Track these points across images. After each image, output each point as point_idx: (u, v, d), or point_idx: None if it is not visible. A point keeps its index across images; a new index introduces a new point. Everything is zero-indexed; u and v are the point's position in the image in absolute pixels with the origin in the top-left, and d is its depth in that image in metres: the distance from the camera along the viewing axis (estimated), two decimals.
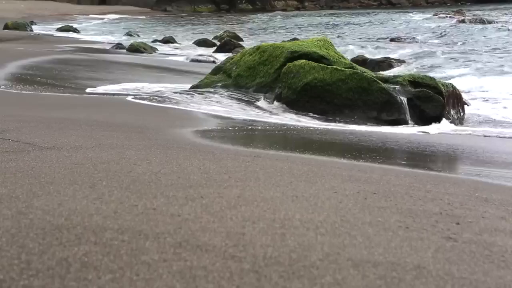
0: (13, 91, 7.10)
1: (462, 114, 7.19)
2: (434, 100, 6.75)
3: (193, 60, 14.86)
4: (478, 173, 4.07)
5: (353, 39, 23.47)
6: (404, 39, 22.19)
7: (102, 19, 44.88)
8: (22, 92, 7.09)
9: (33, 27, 27.05)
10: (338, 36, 24.54)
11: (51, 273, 1.64)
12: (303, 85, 6.92)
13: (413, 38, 22.34)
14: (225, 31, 23.97)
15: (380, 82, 6.75)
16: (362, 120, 6.59)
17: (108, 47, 17.83)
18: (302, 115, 6.81)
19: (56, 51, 14.03)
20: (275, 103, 7.21)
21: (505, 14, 35.84)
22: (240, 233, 2.05)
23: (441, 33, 23.41)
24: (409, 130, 6.31)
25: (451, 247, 2.07)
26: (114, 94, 7.41)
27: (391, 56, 15.85)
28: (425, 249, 2.02)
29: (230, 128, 5.50)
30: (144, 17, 50.46)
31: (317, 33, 28.21)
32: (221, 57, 14.39)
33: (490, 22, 27.20)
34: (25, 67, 9.74)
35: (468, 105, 7.78)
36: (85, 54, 13.74)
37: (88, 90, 7.93)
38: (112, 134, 4.15)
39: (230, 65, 8.30)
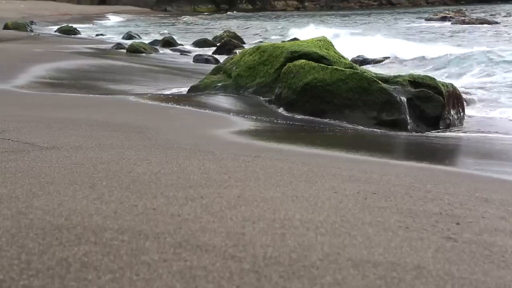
0: (15, 90, 7.10)
1: (462, 114, 7.18)
2: (434, 100, 6.74)
3: (194, 60, 14.87)
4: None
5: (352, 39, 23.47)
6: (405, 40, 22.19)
7: (102, 19, 44.91)
8: (23, 91, 7.09)
9: (33, 27, 27.04)
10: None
11: (51, 273, 1.64)
12: (303, 85, 6.91)
13: (414, 39, 22.34)
14: (225, 31, 23.92)
15: (380, 82, 6.75)
16: (362, 120, 6.58)
17: (108, 47, 17.81)
18: (301, 114, 6.81)
19: (56, 51, 14.02)
20: (276, 102, 7.21)
21: (506, 14, 35.83)
22: (240, 233, 2.05)
23: (440, 34, 23.41)
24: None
25: (451, 247, 2.07)
26: None
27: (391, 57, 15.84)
28: (425, 249, 2.02)
29: (233, 129, 5.50)
30: (144, 17, 50.46)
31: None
32: (221, 57, 14.41)
33: (491, 23, 27.10)
34: (50, 70, 9.71)
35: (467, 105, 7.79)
36: (88, 57, 13.74)
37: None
38: (112, 134, 4.15)
39: (230, 65, 8.29)
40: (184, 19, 46.28)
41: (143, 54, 16.04)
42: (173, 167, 3.06)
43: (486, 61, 12.88)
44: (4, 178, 2.66)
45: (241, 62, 8.09)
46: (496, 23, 27.61)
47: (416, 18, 37.34)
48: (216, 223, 2.14)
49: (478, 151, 5.48)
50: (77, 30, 26.86)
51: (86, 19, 43.32)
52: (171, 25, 37.79)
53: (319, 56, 7.41)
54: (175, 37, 22.68)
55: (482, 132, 6.56)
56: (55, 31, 26.37)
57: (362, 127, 6.37)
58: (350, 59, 9.24)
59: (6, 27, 24.44)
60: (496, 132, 6.44)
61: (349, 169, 3.43)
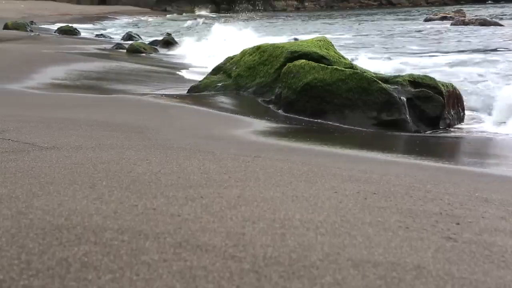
0: (16, 90, 7.10)
1: (462, 114, 7.18)
2: (434, 100, 6.74)
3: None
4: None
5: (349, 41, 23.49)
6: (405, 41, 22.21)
7: (102, 19, 44.92)
8: (23, 90, 7.09)
9: (33, 27, 27.02)
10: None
11: (51, 273, 1.64)
12: (303, 85, 6.91)
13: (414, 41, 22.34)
14: None
15: (380, 82, 6.74)
16: (361, 120, 6.58)
17: (108, 47, 17.81)
18: (301, 114, 6.82)
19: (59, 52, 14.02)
20: (276, 102, 7.21)
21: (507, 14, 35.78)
22: (240, 233, 2.05)
23: (440, 36, 23.39)
24: None
25: (451, 247, 2.07)
26: None
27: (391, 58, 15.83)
28: (425, 249, 2.02)
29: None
30: (144, 17, 50.47)
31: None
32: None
33: (492, 24, 26.96)
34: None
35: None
36: (88, 58, 13.74)
37: None
38: (112, 134, 4.15)
39: (230, 65, 8.30)
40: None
41: (143, 54, 16.04)
42: (173, 167, 3.06)
43: None
44: (4, 178, 2.66)
45: (241, 62, 8.09)
46: (498, 24, 27.44)
47: (417, 18, 37.32)
48: (216, 223, 2.14)
49: (478, 151, 5.48)
50: (77, 30, 26.84)
51: (86, 19, 43.31)
52: (171, 25, 37.80)
53: (319, 56, 7.42)
54: (175, 37, 22.68)
55: (482, 132, 6.56)
56: (55, 31, 26.35)
57: (362, 127, 6.37)
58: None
59: (6, 27, 24.41)
60: (496, 132, 6.44)
61: (349, 169, 3.43)
